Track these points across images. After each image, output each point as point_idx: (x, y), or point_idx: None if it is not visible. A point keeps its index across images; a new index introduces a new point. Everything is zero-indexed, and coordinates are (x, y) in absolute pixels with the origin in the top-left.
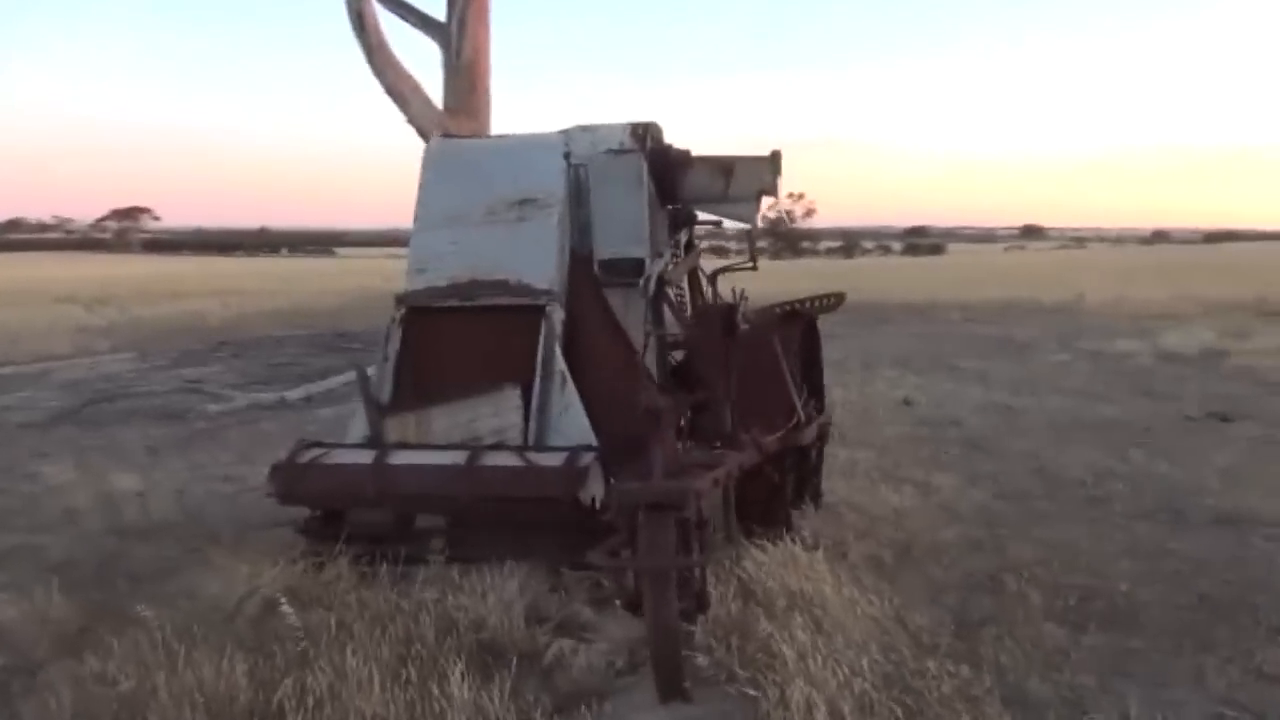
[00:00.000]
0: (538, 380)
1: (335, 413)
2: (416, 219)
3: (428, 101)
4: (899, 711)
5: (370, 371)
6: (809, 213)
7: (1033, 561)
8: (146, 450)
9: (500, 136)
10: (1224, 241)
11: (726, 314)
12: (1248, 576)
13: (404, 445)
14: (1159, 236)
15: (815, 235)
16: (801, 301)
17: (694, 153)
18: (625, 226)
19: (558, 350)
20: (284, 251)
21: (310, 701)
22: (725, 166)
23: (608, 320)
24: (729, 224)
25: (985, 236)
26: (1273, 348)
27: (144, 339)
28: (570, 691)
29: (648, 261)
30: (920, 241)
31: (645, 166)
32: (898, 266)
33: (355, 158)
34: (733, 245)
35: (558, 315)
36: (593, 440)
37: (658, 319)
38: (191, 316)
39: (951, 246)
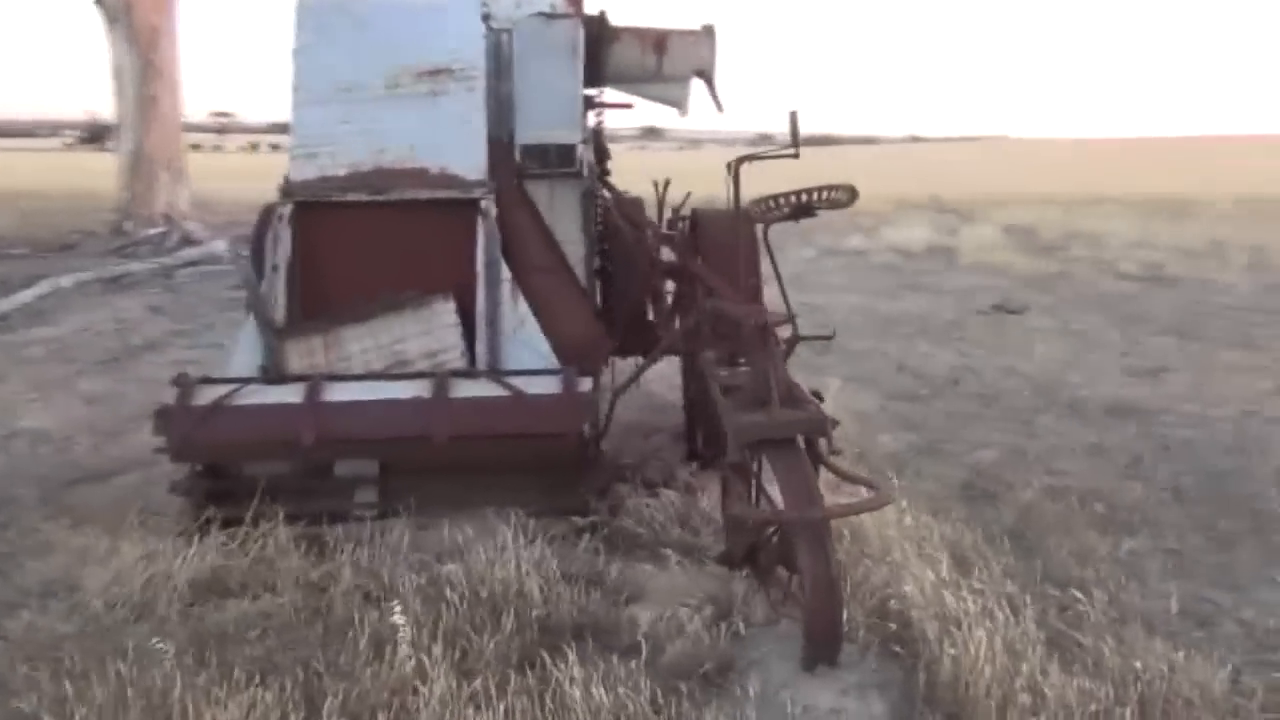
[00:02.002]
0: (481, 290)
1: (55, 334)
2: (296, 89)
3: None
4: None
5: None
6: None
7: (998, 465)
8: None
9: None
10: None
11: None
12: (1199, 467)
13: (333, 376)
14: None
15: None
16: (810, 192)
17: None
18: (556, 106)
19: (499, 253)
20: None
21: None
22: (657, 40)
23: (534, 220)
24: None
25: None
26: (987, 243)
27: None
28: (685, 666)
29: (579, 148)
30: None
31: (582, 35)
32: None
33: None
34: None
35: (493, 211)
36: (554, 361)
37: (589, 218)
38: None
39: None
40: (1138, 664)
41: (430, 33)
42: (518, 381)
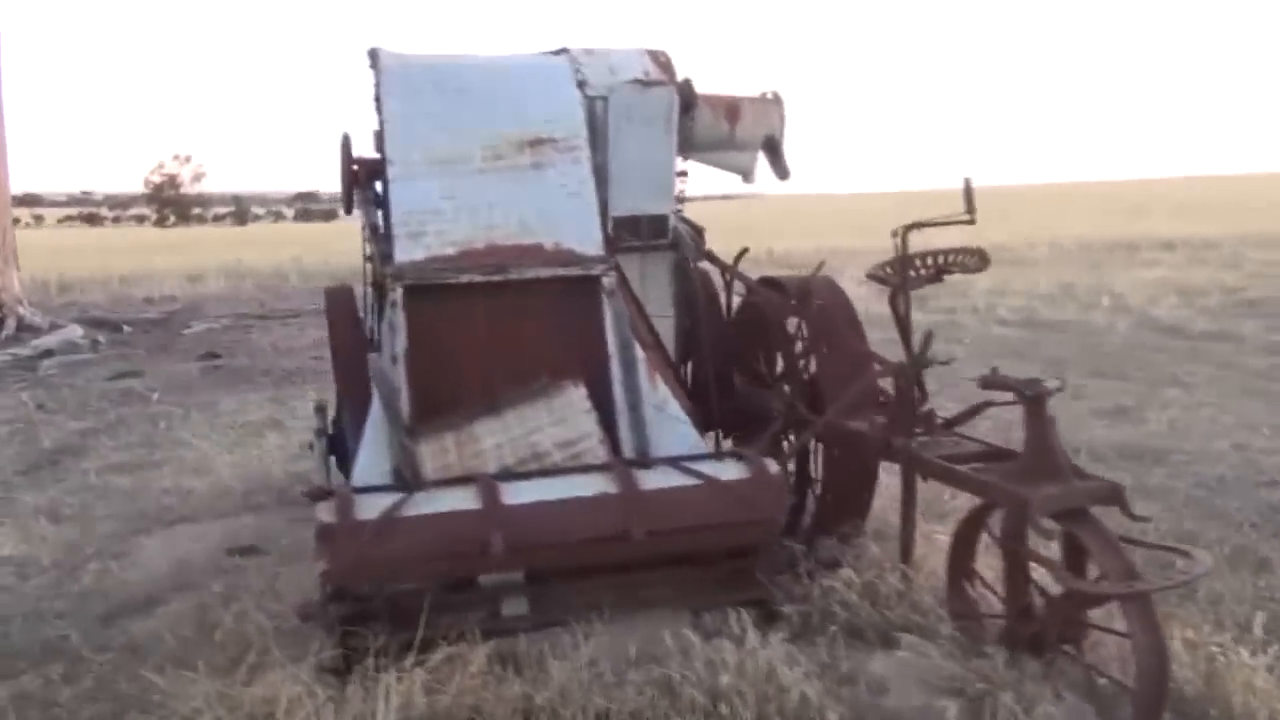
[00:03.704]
0: (617, 372)
1: None
2: (390, 162)
3: None
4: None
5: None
6: (198, 177)
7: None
8: None
9: (472, 56)
10: None
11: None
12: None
13: (499, 476)
14: None
15: (207, 201)
16: (943, 254)
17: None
18: (649, 176)
19: (630, 332)
20: None
21: None
22: (729, 107)
23: (628, 295)
24: None
25: None
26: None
27: None
28: None
29: (672, 220)
30: (313, 208)
31: (677, 103)
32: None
33: None
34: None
35: (617, 288)
36: (701, 443)
37: (680, 292)
38: None
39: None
40: None
41: (526, 99)
42: (704, 468)
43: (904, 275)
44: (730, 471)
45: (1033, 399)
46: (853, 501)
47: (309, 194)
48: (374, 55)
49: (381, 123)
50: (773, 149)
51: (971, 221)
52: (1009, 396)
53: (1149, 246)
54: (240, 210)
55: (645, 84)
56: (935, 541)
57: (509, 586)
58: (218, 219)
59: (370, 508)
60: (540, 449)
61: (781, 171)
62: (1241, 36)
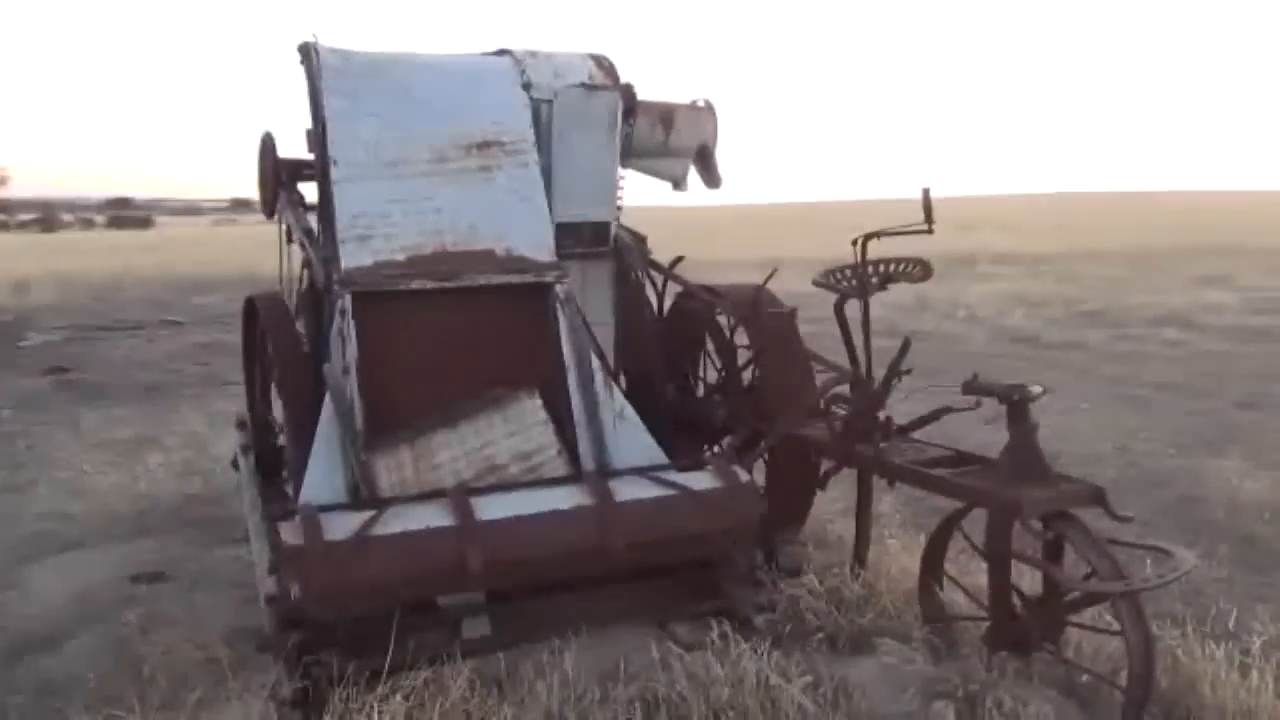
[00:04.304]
0: (574, 382)
1: None
2: (334, 162)
3: None
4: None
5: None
6: (1, 181)
7: None
8: None
9: (412, 54)
10: None
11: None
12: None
13: (475, 490)
14: None
15: (10, 207)
16: (887, 263)
17: None
18: (592, 182)
19: (587, 341)
20: None
21: None
22: (665, 115)
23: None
24: None
25: (191, 209)
26: None
27: None
28: None
29: (613, 227)
30: (126, 214)
31: (620, 109)
32: (149, 241)
33: None
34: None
35: (572, 295)
36: (663, 456)
37: (634, 302)
38: None
39: (158, 219)
40: None
41: (471, 100)
42: (674, 478)
43: (864, 283)
44: (702, 481)
45: (1018, 403)
46: (796, 508)
47: (121, 199)
48: (308, 50)
49: (322, 121)
50: (705, 157)
51: (930, 231)
52: (970, 403)
53: (985, 260)
54: (48, 217)
55: (590, 88)
56: (886, 545)
57: (470, 606)
58: (22, 225)
59: (337, 527)
60: (497, 462)
61: (712, 180)
62: (1045, 59)
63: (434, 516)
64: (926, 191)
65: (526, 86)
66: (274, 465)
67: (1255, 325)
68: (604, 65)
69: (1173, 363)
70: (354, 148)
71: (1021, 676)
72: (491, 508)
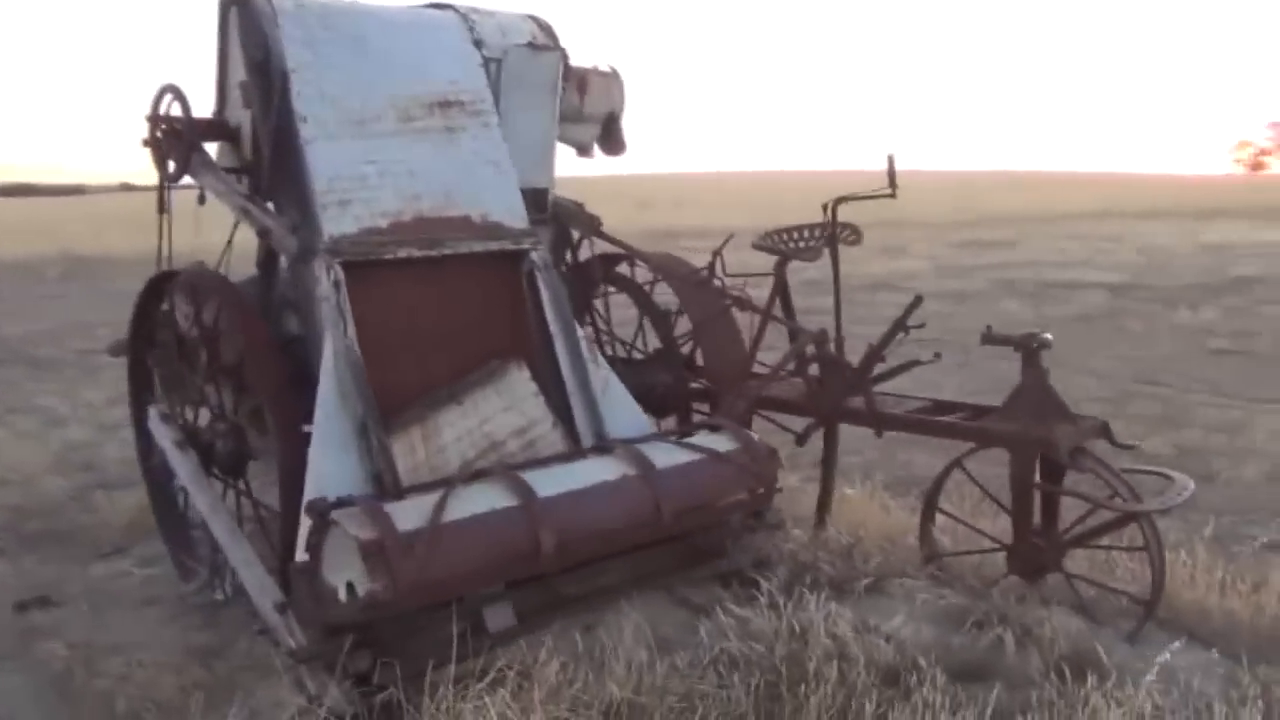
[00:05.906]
0: (563, 351)
1: None
2: (302, 119)
3: None
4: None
5: None
6: None
7: None
8: None
9: (354, 2)
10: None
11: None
12: None
13: (515, 467)
14: None
15: None
16: (824, 227)
17: None
18: (532, 147)
19: (569, 309)
20: None
21: None
22: (580, 80)
23: None
24: None
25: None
26: None
27: None
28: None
29: (550, 193)
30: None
31: (562, 71)
32: None
33: None
34: None
35: (549, 263)
36: (647, 424)
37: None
38: None
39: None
40: None
41: (426, 55)
42: (698, 442)
43: (834, 245)
44: (722, 443)
45: (1035, 350)
46: None
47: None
48: None
49: (282, 73)
50: (611, 124)
51: (893, 195)
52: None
53: (686, 235)
54: None
55: (536, 48)
56: (845, 496)
57: (490, 596)
58: None
59: (405, 517)
60: (496, 438)
61: (615, 147)
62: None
63: (496, 498)
64: (891, 158)
65: (478, 44)
66: (234, 463)
67: None
68: (543, 26)
69: None
70: (321, 104)
71: (1036, 600)
72: (545, 485)
